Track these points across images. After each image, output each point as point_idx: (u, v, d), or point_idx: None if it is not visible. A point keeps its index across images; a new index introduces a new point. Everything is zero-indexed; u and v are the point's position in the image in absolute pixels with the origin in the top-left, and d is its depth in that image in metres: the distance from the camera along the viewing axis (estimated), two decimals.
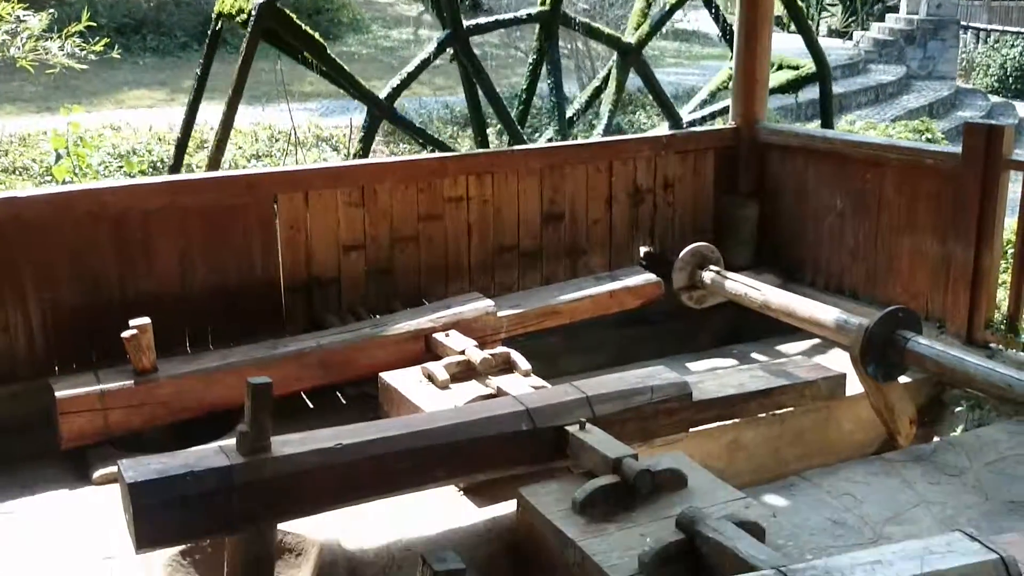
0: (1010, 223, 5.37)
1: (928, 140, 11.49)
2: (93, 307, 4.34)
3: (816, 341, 5.16)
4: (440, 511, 3.47)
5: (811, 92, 14.62)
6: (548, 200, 5.45)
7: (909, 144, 5.87)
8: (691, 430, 3.90)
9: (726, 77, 7.42)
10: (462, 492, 3.60)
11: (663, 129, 7.33)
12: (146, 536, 2.75)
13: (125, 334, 3.89)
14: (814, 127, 8.18)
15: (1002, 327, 4.73)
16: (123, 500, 2.81)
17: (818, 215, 5.65)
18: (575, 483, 3.23)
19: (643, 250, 5.85)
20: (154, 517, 2.73)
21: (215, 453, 2.90)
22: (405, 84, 6.55)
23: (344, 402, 4.53)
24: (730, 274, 5.26)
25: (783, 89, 7.48)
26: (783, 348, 5.27)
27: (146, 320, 3.93)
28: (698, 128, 6.82)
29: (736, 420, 4.16)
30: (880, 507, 3.58)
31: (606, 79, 7.58)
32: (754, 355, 5.28)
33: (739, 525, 2.84)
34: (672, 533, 2.86)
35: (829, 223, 5.59)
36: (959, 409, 4.61)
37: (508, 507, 3.40)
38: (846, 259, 5.53)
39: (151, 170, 9.36)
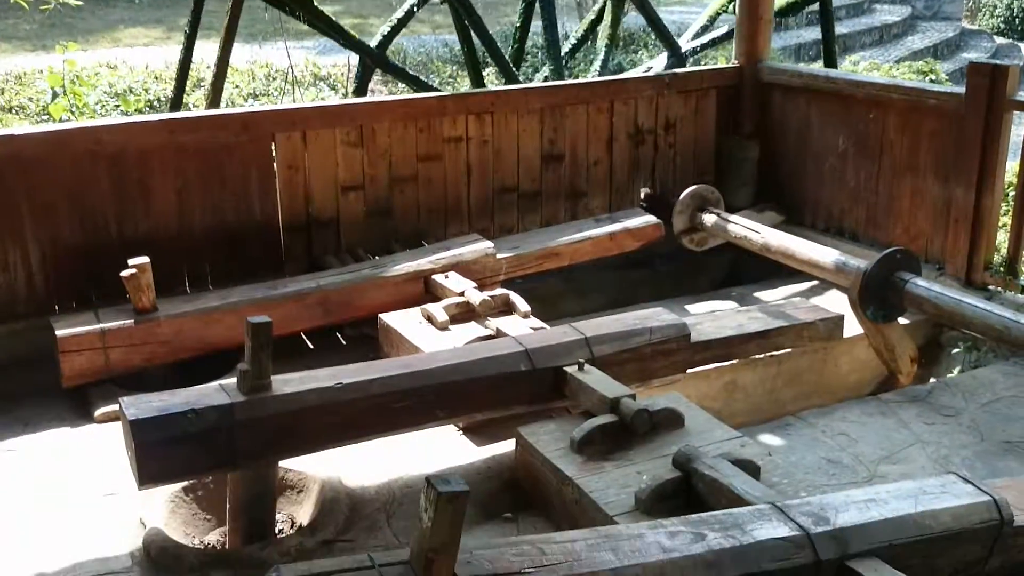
0: (1012, 165, 5.34)
1: (932, 82, 11.36)
2: (92, 246, 4.34)
3: (815, 283, 5.16)
4: (440, 450, 3.51)
5: (814, 32, 14.45)
6: (548, 140, 5.41)
7: (912, 84, 5.79)
8: (689, 371, 3.93)
9: (724, 0, 7.28)
10: (462, 432, 3.64)
11: (660, 60, 7.21)
12: (148, 473, 2.77)
13: (124, 273, 3.89)
14: (817, 67, 8.07)
15: (1001, 269, 4.73)
16: (125, 437, 2.83)
17: (820, 156, 5.61)
18: (573, 423, 3.26)
19: (643, 191, 5.82)
20: (156, 454, 2.75)
21: (216, 391, 2.92)
22: (395, 31, 6.44)
23: (344, 343, 4.55)
24: (730, 216, 5.25)
25: (783, 12, 7.32)
26: (783, 290, 5.28)
27: (145, 259, 3.93)
28: (700, 68, 6.72)
29: (734, 361, 4.18)
30: (875, 447, 3.61)
31: (601, 12, 7.43)
32: (754, 297, 5.29)
33: (734, 463, 2.87)
34: (668, 471, 2.89)
35: (830, 164, 5.56)
36: (956, 351, 4.63)
37: (507, 446, 3.43)
38: (847, 200, 5.51)
39: (148, 109, 9.28)
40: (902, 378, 4.39)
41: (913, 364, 4.40)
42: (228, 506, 3.04)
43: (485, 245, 4.70)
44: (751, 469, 2.93)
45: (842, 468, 3.45)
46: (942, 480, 2.71)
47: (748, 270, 5.77)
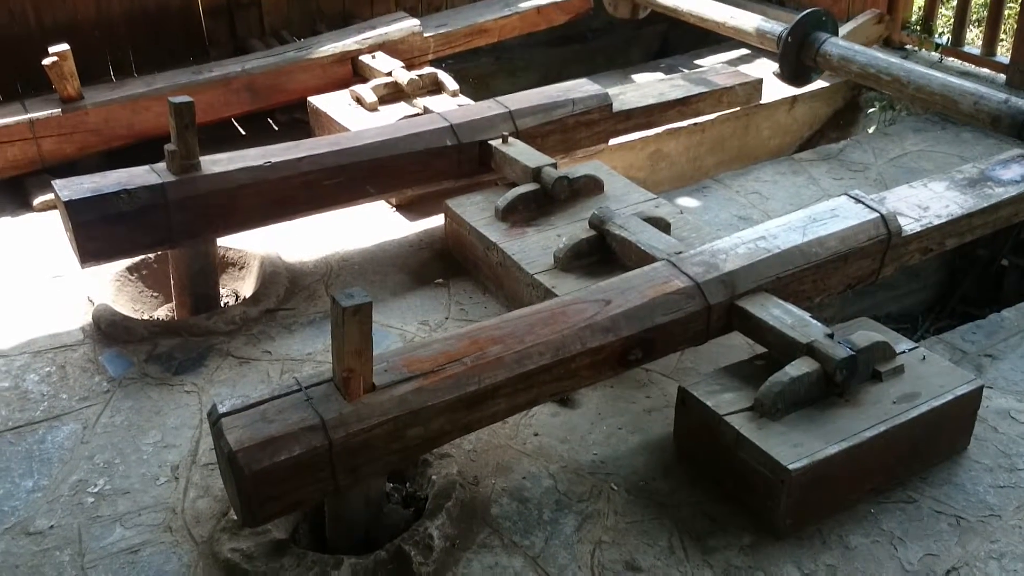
0: None
1: None
2: (11, 37, 4.27)
3: (746, 51, 5.22)
4: (375, 226, 3.66)
5: None
6: None
7: None
8: (612, 141, 4.04)
9: None
10: (395, 209, 3.79)
11: None
12: (88, 251, 2.89)
13: (46, 61, 3.86)
14: None
15: (917, 28, 4.81)
16: (63, 219, 2.93)
17: None
18: (499, 193, 3.40)
19: None
20: (93, 233, 2.86)
21: (147, 172, 3.00)
22: None
23: (276, 128, 4.59)
24: None
25: None
26: (712, 59, 5.33)
27: (65, 47, 3.88)
28: None
29: (658, 131, 4.29)
30: (784, 203, 3.81)
31: None
32: (682, 68, 5.34)
33: (647, 222, 3.04)
34: (585, 231, 3.07)
35: None
36: (872, 110, 4.78)
37: (438, 220, 3.58)
38: None
39: None
40: None
41: None
42: (173, 282, 3.19)
43: (411, 23, 4.67)
44: (662, 226, 3.10)
45: (750, 223, 3.64)
46: (833, 204, 2.87)
47: (680, 40, 5.80)
